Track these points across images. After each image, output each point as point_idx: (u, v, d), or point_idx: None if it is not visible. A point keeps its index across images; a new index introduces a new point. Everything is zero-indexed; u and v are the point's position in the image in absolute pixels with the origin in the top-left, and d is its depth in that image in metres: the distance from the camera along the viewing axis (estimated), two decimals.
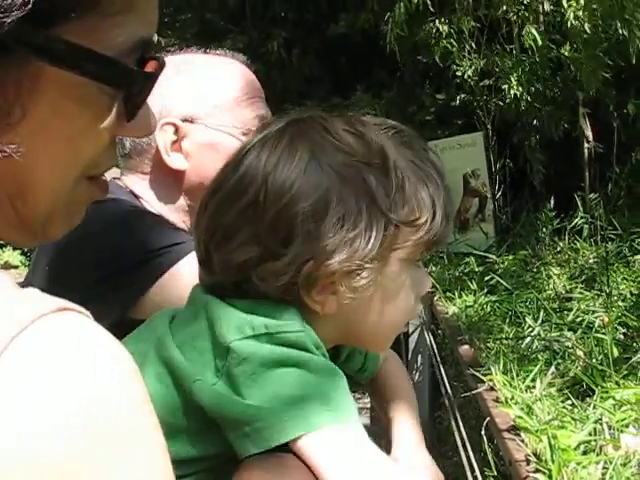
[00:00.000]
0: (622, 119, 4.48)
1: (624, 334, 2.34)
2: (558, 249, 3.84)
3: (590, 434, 1.45)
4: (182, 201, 1.30)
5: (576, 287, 3.08)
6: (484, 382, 1.83)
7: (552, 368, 1.86)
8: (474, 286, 3.22)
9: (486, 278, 3.32)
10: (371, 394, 1.13)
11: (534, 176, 4.51)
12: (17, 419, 0.41)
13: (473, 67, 4.43)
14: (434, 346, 3.19)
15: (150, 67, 0.57)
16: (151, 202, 1.30)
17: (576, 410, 1.61)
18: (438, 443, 3.46)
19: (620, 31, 3.66)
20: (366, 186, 0.78)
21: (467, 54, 4.44)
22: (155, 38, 0.59)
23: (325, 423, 0.72)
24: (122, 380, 0.46)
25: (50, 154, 0.53)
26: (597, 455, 1.37)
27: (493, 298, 2.98)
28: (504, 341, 2.32)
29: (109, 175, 1.24)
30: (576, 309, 2.62)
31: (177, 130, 1.26)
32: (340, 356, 0.93)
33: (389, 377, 1.10)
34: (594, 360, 1.96)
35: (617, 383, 1.72)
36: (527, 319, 2.47)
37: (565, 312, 2.67)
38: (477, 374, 1.88)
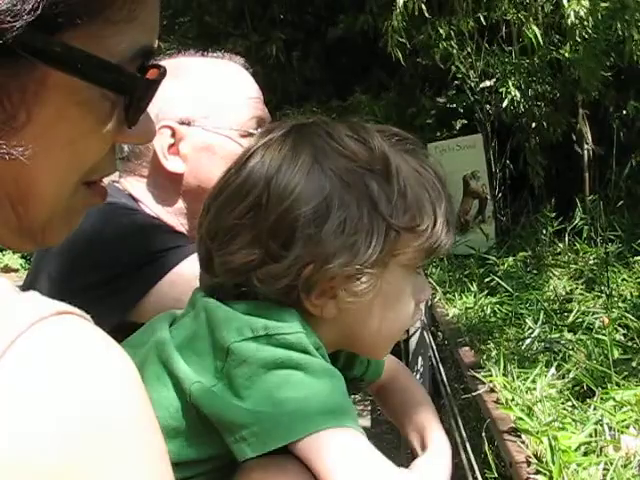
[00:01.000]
0: (622, 121, 4.48)
1: (624, 335, 2.34)
2: (558, 251, 3.84)
3: (591, 435, 1.45)
4: (180, 204, 1.30)
5: (576, 288, 3.08)
6: (484, 384, 1.83)
7: (552, 369, 1.85)
8: (474, 288, 3.22)
9: (486, 280, 3.32)
10: (389, 413, 1.11)
11: (534, 178, 4.51)
12: (11, 420, 0.41)
13: (473, 69, 4.43)
14: (434, 348, 3.19)
15: (151, 75, 0.57)
16: (149, 205, 1.30)
17: (576, 411, 1.61)
18: None
19: (620, 32, 3.67)
20: (368, 191, 0.78)
21: (467, 56, 4.44)
22: (155, 44, 0.59)
23: (323, 426, 0.72)
24: (122, 383, 0.46)
25: (53, 158, 0.54)
26: (598, 456, 1.37)
27: (493, 300, 2.98)
28: (504, 343, 2.32)
29: (108, 178, 1.24)
30: (576, 310, 2.62)
31: (174, 133, 1.26)
32: (338, 360, 0.93)
33: (405, 392, 1.09)
34: (594, 361, 1.95)
35: (617, 384, 1.72)
36: (527, 320, 2.47)
37: (565, 313, 2.67)
38: (477, 376, 1.88)
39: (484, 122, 4.63)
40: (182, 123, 1.27)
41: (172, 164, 1.27)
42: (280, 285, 0.77)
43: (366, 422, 3.49)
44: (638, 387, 1.66)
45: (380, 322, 0.84)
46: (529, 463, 1.40)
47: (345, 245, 0.76)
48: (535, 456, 1.42)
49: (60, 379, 0.43)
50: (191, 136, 1.27)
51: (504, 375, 1.84)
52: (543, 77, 4.28)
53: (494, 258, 3.80)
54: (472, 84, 4.52)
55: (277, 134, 0.82)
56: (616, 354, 1.98)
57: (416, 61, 4.82)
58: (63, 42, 0.50)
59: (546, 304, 2.76)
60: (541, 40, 4.00)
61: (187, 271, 1.07)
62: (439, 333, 3.51)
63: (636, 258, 3.35)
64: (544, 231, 4.05)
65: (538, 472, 1.35)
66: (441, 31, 4.31)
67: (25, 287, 1.21)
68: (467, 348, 2.37)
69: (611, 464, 1.31)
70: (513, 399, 1.68)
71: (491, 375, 1.85)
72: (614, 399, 1.59)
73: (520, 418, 1.55)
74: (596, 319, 2.44)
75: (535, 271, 3.51)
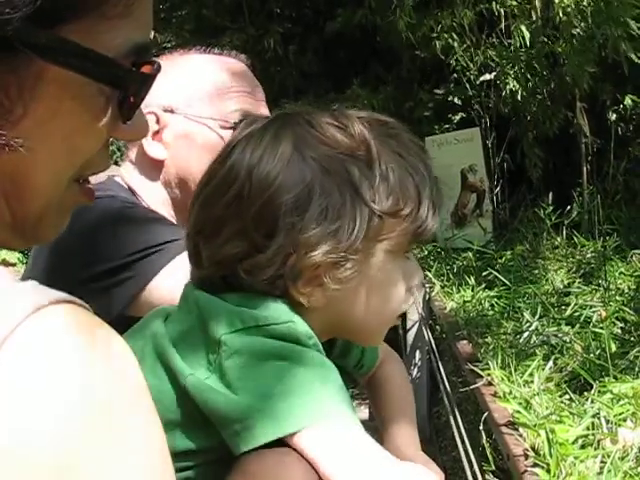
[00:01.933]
0: (619, 114, 4.48)
1: (622, 328, 2.34)
2: (556, 244, 3.85)
3: (588, 428, 1.45)
4: (165, 194, 1.30)
5: (574, 282, 3.09)
6: (482, 377, 1.84)
7: (550, 363, 1.86)
8: (472, 281, 3.22)
9: (484, 273, 3.33)
10: (370, 398, 1.12)
11: (532, 170, 4.51)
12: (11, 413, 0.41)
13: (472, 62, 4.43)
14: (432, 341, 3.19)
15: (146, 70, 0.57)
16: (146, 198, 1.30)
17: (574, 404, 1.62)
18: (436, 438, 3.47)
19: (608, 31, 3.68)
20: (349, 178, 0.78)
21: (467, 49, 4.43)
22: (151, 35, 0.60)
23: (317, 419, 0.72)
24: (122, 371, 0.46)
25: (48, 152, 0.54)
26: (595, 449, 1.38)
27: (491, 293, 2.99)
28: (502, 336, 2.32)
29: (107, 172, 1.24)
30: (574, 304, 2.62)
31: (158, 120, 1.27)
32: (333, 350, 0.94)
33: (387, 382, 1.09)
34: (592, 354, 1.96)
35: (615, 377, 1.72)
36: (525, 314, 2.48)
37: (563, 307, 2.67)
38: (475, 369, 1.89)
39: (482, 115, 4.63)
40: (166, 110, 1.27)
41: (154, 150, 1.27)
42: (266, 275, 0.77)
43: (364, 415, 3.49)
44: (635, 380, 1.67)
45: (369, 308, 0.83)
46: (527, 456, 1.41)
47: (328, 232, 0.76)
48: (533, 449, 1.42)
49: (59, 369, 0.43)
50: (173, 124, 1.27)
51: (502, 368, 1.84)
52: (540, 70, 4.28)
53: (492, 252, 3.80)
54: (471, 77, 4.52)
55: (259, 125, 0.83)
56: (613, 347, 1.99)
57: (414, 54, 4.82)
58: (61, 36, 0.51)
59: (544, 297, 2.77)
60: (528, 37, 4.01)
61: (185, 264, 1.07)
62: (437, 327, 3.52)
63: (634, 251, 3.36)
64: (542, 225, 4.05)
65: (536, 465, 1.36)
66: (443, 22, 4.31)
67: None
68: (465, 341, 2.38)
69: (608, 457, 1.31)
70: (511, 392, 1.69)
71: (489, 368, 1.85)
72: (611, 392, 1.60)
73: (518, 411, 1.56)
74: (594, 312, 2.44)
75: (533, 264, 3.52)
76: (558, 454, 1.33)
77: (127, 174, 1.32)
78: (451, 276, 3.48)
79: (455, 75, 4.69)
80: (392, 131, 0.84)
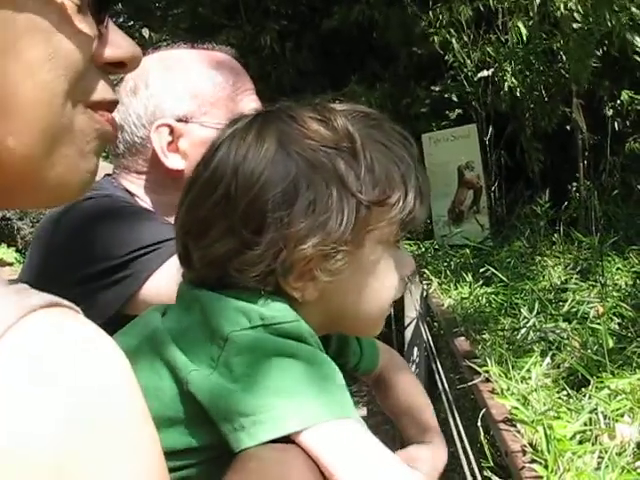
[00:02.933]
0: (616, 110, 4.49)
1: (619, 324, 2.35)
2: (553, 240, 3.85)
3: (585, 424, 1.46)
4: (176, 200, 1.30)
5: (571, 278, 3.09)
6: (480, 374, 1.84)
7: (547, 359, 1.86)
8: (469, 278, 3.22)
9: (481, 270, 3.33)
10: (388, 409, 1.12)
11: (529, 167, 4.52)
12: (9, 417, 0.41)
13: (470, 58, 4.43)
14: (430, 338, 3.19)
15: None
16: (145, 200, 1.30)
17: (571, 400, 1.62)
18: None
19: (609, 23, 3.67)
20: (335, 170, 0.78)
21: (464, 45, 4.43)
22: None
23: (325, 418, 0.72)
24: (113, 374, 0.45)
25: (22, 54, 0.50)
26: (593, 445, 1.38)
27: (489, 290, 2.99)
28: (500, 332, 2.32)
29: (102, 172, 1.24)
30: (571, 300, 2.62)
31: (172, 131, 1.26)
32: (330, 346, 0.94)
33: (404, 389, 1.10)
34: (589, 350, 1.96)
35: (612, 373, 1.73)
36: (522, 310, 2.48)
37: (560, 303, 2.67)
38: (473, 366, 1.89)
39: (479, 112, 4.63)
40: (180, 120, 1.27)
41: (172, 161, 1.27)
42: (256, 272, 0.77)
43: (362, 413, 3.50)
44: (633, 376, 1.67)
45: (362, 297, 0.84)
46: (524, 452, 1.41)
47: (316, 224, 0.77)
48: (530, 445, 1.42)
49: (50, 373, 0.43)
50: (189, 133, 1.27)
51: (499, 365, 1.84)
52: (538, 66, 4.28)
53: (489, 248, 3.80)
54: (468, 73, 4.52)
55: (242, 124, 0.83)
56: (611, 343, 1.99)
57: (411, 51, 4.82)
58: None
59: (541, 294, 2.77)
60: (525, 34, 4.01)
61: None
62: (435, 323, 3.52)
63: (631, 247, 3.36)
64: (539, 221, 4.05)
65: (534, 461, 1.36)
66: (441, 17, 4.31)
67: (20, 281, 1.20)
68: (462, 338, 2.38)
69: (606, 452, 1.32)
70: (508, 388, 1.69)
71: (486, 365, 1.85)
72: (609, 388, 1.60)
73: (515, 407, 1.56)
74: (591, 308, 2.45)
75: (530, 261, 3.52)
76: (556, 450, 1.33)
77: (131, 184, 1.31)
78: (448, 273, 3.48)
79: (452, 72, 4.69)
80: (374, 122, 0.85)
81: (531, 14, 4.09)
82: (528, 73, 4.28)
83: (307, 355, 0.75)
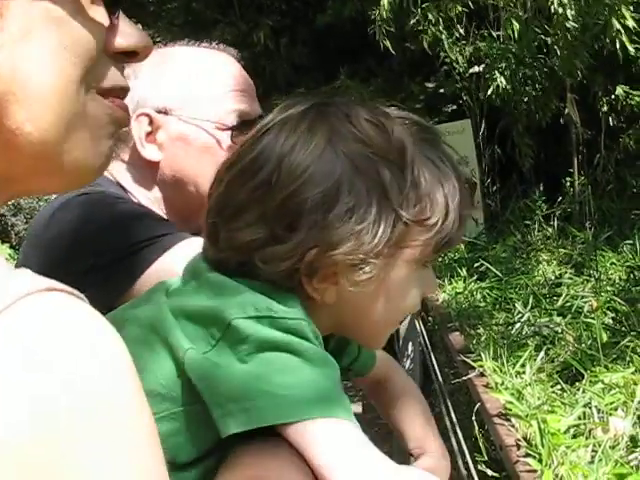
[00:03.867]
0: (610, 105, 4.50)
1: (613, 318, 2.36)
2: (547, 235, 3.86)
3: (579, 418, 1.46)
4: (157, 193, 1.30)
5: (565, 272, 3.10)
6: (474, 368, 1.84)
7: (542, 353, 1.87)
8: (464, 273, 3.23)
9: (476, 265, 3.34)
10: (385, 414, 1.10)
11: (523, 162, 4.52)
12: (3, 406, 0.41)
13: (462, 54, 4.43)
14: (424, 333, 3.20)
15: None
16: (137, 195, 1.30)
17: (565, 394, 1.63)
18: None
19: (601, 19, 3.68)
20: (379, 179, 0.76)
21: (456, 41, 4.43)
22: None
23: (316, 414, 0.71)
24: (109, 361, 0.45)
25: (36, 41, 0.51)
26: (586, 438, 1.39)
27: (483, 284, 3.00)
28: (494, 327, 2.33)
29: None
30: (565, 294, 2.63)
31: (152, 121, 1.26)
32: (329, 344, 0.93)
33: (401, 396, 1.08)
34: (583, 345, 1.97)
35: (606, 367, 1.73)
36: (517, 305, 2.49)
37: (554, 297, 2.68)
38: (467, 360, 1.89)
39: (473, 107, 4.63)
40: (159, 112, 1.26)
41: (148, 152, 1.27)
42: (282, 267, 0.75)
43: (358, 408, 3.50)
44: (626, 370, 1.68)
45: (380, 313, 0.82)
46: (519, 446, 1.42)
47: (351, 232, 0.74)
48: (525, 439, 1.43)
49: (43, 355, 0.42)
50: (168, 125, 1.26)
51: (494, 359, 1.85)
52: (531, 61, 4.29)
53: (483, 243, 3.81)
54: (461, 69, 4.52)
55: (296, 111, 0.80)
56: (605, 337, 2.00)
57: (405, 47, 4.82)
58: None
59: (535, 288, 2.78)
60: (517, 29, 4.01)
61: (176, 259, 1.07)
62: (429, 318, 3.52)
63: (625, 242, 3.37)
64: (533, 216, 4.06)
65: (528, 455, 1.36)
66: (430, 16, 4.31)
67: None
68: (457, 333, 2.38)
69: (599, 446, 1.32)
70: (503, 383, 1.70)
71: (481, 359, 1.86)
72: (603, 382, 1.61)
73: (510, 402, 1.56)
74: (585, 303, 2.46)
75: (524, 256, 3.53)
76: (550, 444, 1.33)
77: (118, 173, 1.31)
78: (443, 268, 3.49)
79: (446, 67, 4.69)
80: (430, 136, 0.82)
81: (523, 10, 4.09)
82: (521, 68, 4.29)
83: (308, 353, 0.74)
